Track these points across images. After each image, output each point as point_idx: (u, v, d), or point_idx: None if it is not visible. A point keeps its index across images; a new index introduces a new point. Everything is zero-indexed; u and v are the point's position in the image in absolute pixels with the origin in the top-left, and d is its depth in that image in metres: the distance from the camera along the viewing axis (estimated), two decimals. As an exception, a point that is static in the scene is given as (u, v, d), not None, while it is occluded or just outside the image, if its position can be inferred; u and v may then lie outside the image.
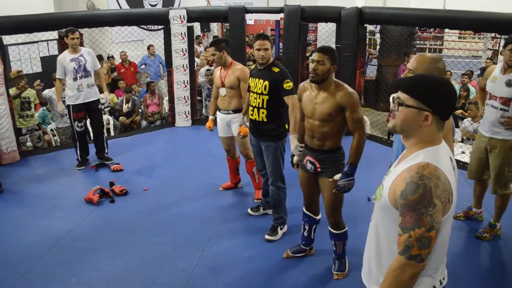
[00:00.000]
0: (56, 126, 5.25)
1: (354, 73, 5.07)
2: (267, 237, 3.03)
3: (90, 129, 4.77)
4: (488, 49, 10.04)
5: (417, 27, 7.15)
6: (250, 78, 2.98)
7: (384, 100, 6.79)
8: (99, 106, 4.46)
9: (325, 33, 5.77)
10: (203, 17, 5.90)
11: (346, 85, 2.33)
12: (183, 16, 5.42)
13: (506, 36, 3.02)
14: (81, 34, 4.76)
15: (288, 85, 2.79)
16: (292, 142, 2.63)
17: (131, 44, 7.59)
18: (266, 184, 3.17)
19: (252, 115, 2.95)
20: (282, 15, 5.34)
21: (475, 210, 3.27)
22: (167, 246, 2.98)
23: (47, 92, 5.03)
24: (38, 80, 4.78)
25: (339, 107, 2.28)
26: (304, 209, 2.68)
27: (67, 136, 5.15)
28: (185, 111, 5.73)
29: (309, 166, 2.46)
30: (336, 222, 2.49)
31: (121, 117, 6.10)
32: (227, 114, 3.42)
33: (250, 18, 8.78)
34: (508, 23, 3.89)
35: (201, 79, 6.30)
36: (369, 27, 8.48)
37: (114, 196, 3.72)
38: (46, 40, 6.25)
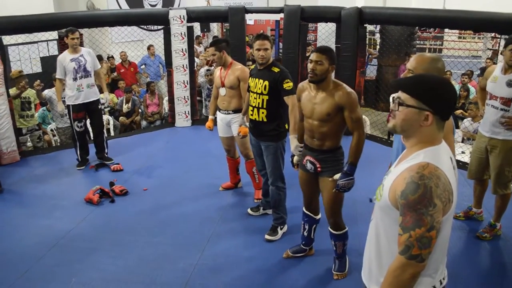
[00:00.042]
0: (56, 126, 5.25)
1: (354, 73, 5.07)
2: (267, 237, 3.03)
3: (90, 129, 4.77)
4: (488, 49, 10.04)
5: (417, 27, 7.15)
6: (250, 78, 2.98)
7: (384, 100, 6.79)
8: (99, 106, 4.46)
9: (325, 33, 5.77)
10: (203, 17, 5.90)
11: (344, 85, 2.33)
12: (183, 16, 5.42)
13: (506, 36, 3.02)
14: (81, 34, 4.76)
15: (288, 85, 2.79)
16: (292, 142, 2.64)
17: (131, 44, 7.59)
18: (266, 184, 3.17)
19: (252, 115, 2.95)
20: (282, 15, 5.34)
21: (475, 210, 3.27)
22: (167, 246, 2.99)
23: (47, 92, 5.03)
24: (38, 80, 4.77)
25: (338, 107, 2.28)
26: (304, 209, 2.68)
27: (67, 136, 5.15)
28: (185, 111, 5.73)
29: (309, 166, 2.46)
30: (336, 222, 2.48)
31: (121, 117, 6.10)
32: (227, 114, 3.42)
33: (250, 18, 8.78)
34: (508, 23, 3.89)
35: (201, 79, 6.30)
36: (369, 27, 8.48)
37: (114, 196, 3.72)
38: (46, 40, 6.25)
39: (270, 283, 2.59)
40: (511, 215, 3.09)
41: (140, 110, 6.33)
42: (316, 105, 2.34)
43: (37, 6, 5.95)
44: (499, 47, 8.84)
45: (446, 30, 10.27)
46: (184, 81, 5.62)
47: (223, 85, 3.36)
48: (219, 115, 3.50)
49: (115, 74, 7.11)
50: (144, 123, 6.28)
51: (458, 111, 5.64)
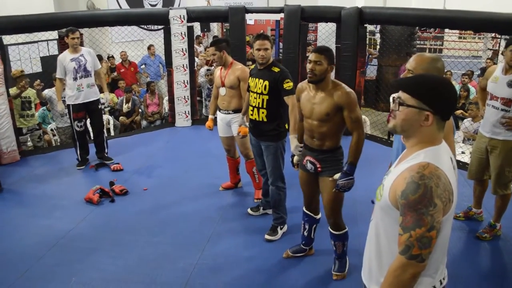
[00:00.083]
0: (56, 126, 5.26)
1: (354, 73, 5.07)
2: (267, 237, 3.03)
3: (90, 129, 4.77)
4: (488, 49, 10.04)
5: (417, 27, 7.14)
6: (250, 78, 2.98)
7: (384, 100, 6.79)
8: (99, 106, 4.46)
9: (325, 33, 5.77)
10: (203, 17, 5.90)
11: (343, 85, 2.33)
12: (183, 16, 5.42)
13: (506, 36, 3.02)
14: (81, 34, 4.76)
15: (288, 85, 2.79)
16: (292, 142, 2.64)
17: (131, 44, 7.59)
18: (266, 184, 3.17)
19: (252, 115, 2.95)
20: (282, 15, 5.34)
21: (475, 210, 3.27)
22: (167, 245, 2.99)
23: (47, 92, 5.03)
24: (38, 80, 4.78)
25: (337, 106, 2.28)
26: (304, 209, 2.68)
27: (67, 136, 5.15)
28: (185, 111, 5.73)
29: (309, 166, 2.46)
30: (336, 222, 2.48)
31: (121, 117, 6.10)
32: (227, 114, 3.42)
33: (250, 18, 8.78)
34: (508, 23, 3.89)
35: (201, 79, 6.30)
36: (369, 27, 8.48)
37: (114, 195, 3.72)
38: (46, 40, 6.25)
39: (270, 283, 2.59)
40: (511, 215, 3.09)
41: (140, 110, 6.33)
42: (315, 105, 2.34)
43: (37, 6, 5.95)
44: (499, 47, 8.84)
45: (446, 30, 10.27)
46: (184, 81, 5.62)
47: (223, 85, 3.36)
48: (219, 115, 3.50)
49: (115, 74, 7.11)
50: (144, 123, 6.28)
51: (458, 111, 5.64)
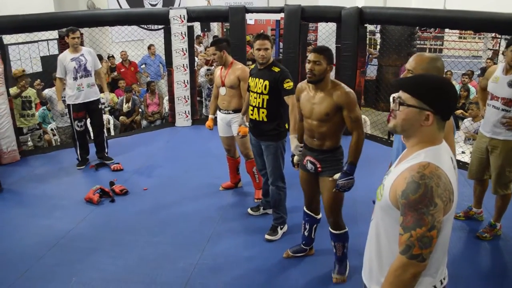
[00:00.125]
0: (56, 126, 5.25)
1: (355, 73, 5.06)
2: (267, 236, 3.03)
3: (90, 128, 4.77)
4: (489, 49, 10.04)
5: (417, 27, 7.14)
6: (250, 77, 2.98)
7: (385, 100, 6.78)
8: (99, 106, 4.46)
9: (326, 33, 5.77)
10: (203, 16, 5.90)
11: (343, 85, 2.33)
12: (183, 15, 5.42)
13: (507, 36, 3.02)
14: (81, 34, 4.76)
15: (288, 84, 2.79)
16: (292, 142, 2.63)
17: (131, 43, 7.59)
18: (266, 183, 3.17)
19: (252, 114, 2.95)
20: (282, 14, 5.34)
21: (475, 210, 3.27)
22: (167, 245, 2.98)
23: (47, 92, 5.03)
24: (38, 80, 4.78)
25: (336, 106, 2.28)
26: (304, 209, 2.68)
27: (67, 135, 5.15)
28: (185, 111, 5.73)
29: (309, 166, 2.46)
30: (336, 222, 2.48)
31: (121, 117, 6.10)
32: (227, 114, 3.42)
33: (250, 18, 8.78)
34: (508, 23, 3.89)
35: (201, 79, 6.30)
36: (370, 27, 8.48)
37: (114, 195, 3.72)
38: (46, 39, 6.25)
39: (270, 283, 2.59)
40: (511, 215, 3.09)
41: (140, 110, 6.32)
42: (315, 105, 2.34)
43: (37, 6, 5.95)
44: (499, 47, 8.84)
45: (447, 30, 10.27)
46: (184, 80, 5.62)
47: (223, 85, 3.36)
48: (219, 114, 3.50)
49: (115, 73, 7.11)
50: (144, 122, 6.28)
51: (458, 111, 5.64)
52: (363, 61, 5.31)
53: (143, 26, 7.94)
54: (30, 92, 4.87)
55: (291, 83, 2.80)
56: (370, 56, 8.02)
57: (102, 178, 4.10)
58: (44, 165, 4.51)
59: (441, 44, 12.73)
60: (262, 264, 2.76)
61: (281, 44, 7.13)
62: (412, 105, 1.23)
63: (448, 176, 1.20)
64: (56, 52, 6.38)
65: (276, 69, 2.83)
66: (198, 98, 6.07)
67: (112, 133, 5.80)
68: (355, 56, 5.01)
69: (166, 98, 6.25)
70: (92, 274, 2.66)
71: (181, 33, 5.47)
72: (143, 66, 7.54)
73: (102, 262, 2.78)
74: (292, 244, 2.88)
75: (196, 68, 6.06)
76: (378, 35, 9.27)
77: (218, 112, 3.51)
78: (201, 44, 8.68)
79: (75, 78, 4.15)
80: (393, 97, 1.29)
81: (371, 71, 7.93)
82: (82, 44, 4.98)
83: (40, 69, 6.48)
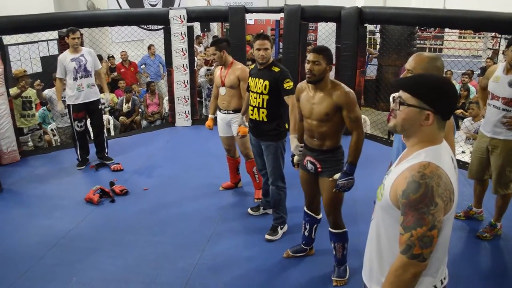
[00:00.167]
0: (56, 126, 5.26)
1: (354, 72, 5.06)
2: (267, 236, 3.03)
3: (90, 129, 4.77)
4: (488, 48, 10.03)
5: (417, 27, 7.14)
6: (250, 77, 2.97)
7: (384, 100, 6.78)
8: (99, 106, 4.46)
9: (325, 33, 5.77)
10: (203, 17, 5.90)
11: (342, 85, 2.33)
12: (183, 16, 5.42)
13: (507, 36, 3.02)
14: (81, 34, 4.76)
15: (288, 84, 2.79)
16: (292, 142, 2.63)
17: (131, 44, 7.59)
18: (266, 183, 3.17)
19: (252, 114, 2.95)
20: (282, 14, 5.33)
21: (475, 210, 3.27)
22: (167, 245, 2.98)
23: (47, 92, 5.03)
24: (38, 80, 4.78)
25: (336, 106, 2.28)
26: (305, 209, 2.68)
27: (67, 136, 5.15)
28: (185, 111, 5.73)
29: (309, 166, 2.46)
30: (336, 221, 2.48)
31: (121, 117, 6.10)
32: (227, 114, 3.42)
33: (250, 18, 8.77)
34: (508, 22, 3.89)
35: (200, 79, 6.29)
36: (369, 27, 8.47)
37: (114, 196, 3.72)
38: (46, 40, 6.25)
39: (270, 283, 2.59)
40: (511, 215, 3.09)
41: (140, 110, 6.32)
42: (314, 105, 2.34)
43: (37, 6, 5.95)
44: (499, 46, 8.84)
45: (447, 29, 10.26)
46: (184, 80, 5.62)
47: (223, 85, 3.36)
48: (219, 114, 3.50)
49: (115, 74, 7.11)
50: (144, 122, 6.28)
51: (458, 111, 5.63)
52: (363, 61, 5.31)
53: (143, 26, 7.94)
54: (31, 93, 4.87)
55: (291, 83, 2.80)
56: (370, 56, 8.02)
57: (102, 178, 4.10)
58: (44, 165, 4.51)
59: (441, 43, 12.74)
60: (262, 264, 2.76)
61: (281, 44, 7.13)
62: (413, 104, 1.23)
63: (449, 175, 1.20)
64: (56, 52, 6.38)
65: (276, 69, 2.83)
66: (197, 99, 6.07)
67: (112, 133, 5.80)
68: (355, 56, 5.01)
69: (166, 98, 6.25)
70: (92, 274, 2.66)
71: (181, 33, 5.47)
72: (143, 66, 7.54)
73: (102, 262, 2.78)
74: (292, 244, 2.88)
75: (196, 68, 6.06)
76: (378, 35, 9.27)
77: (218, 112, 3.51)
78: (201, 44, 8.68)
79: (75, 79, 4.15)
80: (393, 97, 1.30)
81: (371, 71, 7.93)
82: (82, 44, 4.98)
83: (40, 69, 6.48)
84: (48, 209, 3.52)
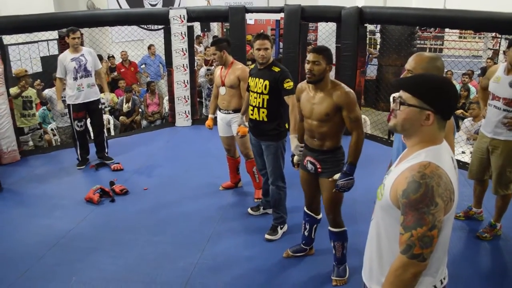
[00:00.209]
0: (57, 126, 5.26)
1: (355, 72, 5.06)
2: (267, 236, 3.03)
3: (90, 128, 4.77)
4: (489, 48, 10.04)
5: (417, 27, 7.14)
6: (250, 77, 2.97)
7: (385, 100, 6.78)
8: (100, 106, 4.46)
9: (326, 33, 5.77)
10: (203, 16, 5.90)
11: (342, 85, 2.33)
12: (183, 15, 5.42)
13: (507, 36, 3.02)
14: (81, 34, 4.76)
15: (288, 84, 2.79)
16: (293, 142, 2.63)
17: (131, 43, 7.59)
18: (266, 183, 3.17)
19: (252, 114, 2.95)
20: (282, 14, 5.34)
21: (475, 210, 3.26)
22: (167, 245, 2.98)
23: (47, 92, 5.03)
24: (39, 80, 4.78)
25: (336, 106, 2.28)
26: (305, 209, 2.68)
27: (67, 135, 5.15)
28: (185, 111, 5.73)
29: (309, 166, 2.46)
30: (335, 220, 2.48)
31: (121, 117, 6.10)
32: (227, 113, 3.42)
33: (250, 18, 8.77)
34: (508, 22, 3.89)
35: (201, 79, 6.29)
36: (370, 27, 8.47)
37: (114, 195, 3.72)
38: (46, 40, 6.24)
39: (270, 283, 2.59)
40: (511, 215, 3.09)
41: (140, 110, 6.32)
42: (315, 105, 2.34)
43: (37, 6, 5.95)
44: (499, 47, 8.84)
45: (447, 29, 10.27)
46: (184, 80, 5.62)
47: (223, 84, 3.36)
48: (219, 114, 3.50)
49: (115, 73, 7.11)
50: (144, 122, 6.28)
51: (459, 111, 5.63)
52: (363, 61, 5.31)
53: (143, 26, 7.94)
54: (31, 92, 4.87)
55: (291, 83, 2.80)
56: (370, 56, 8.02)
57: (102, 178, 4.10)
58: (44, 165, 4.51)
59: (441, 43, 12.74)
60: (262, 263, 2.76)
61: (281, 44, 7.13)
62: (413, 104, 1.23)
63: (449, 175, 1.20)
64: (56, 52, 6.38)
65: (276, 69, 2.83)
66: (198, 99, 6.07)
67: (112, 133, 5.80)
68: (355, 56, 5.01)
69: (166, 98, 6.25)
70: (92, 273, 2.66)
71: (181, 33, 5.47)
72: (143, 66, 7.54)
73: (102, 261, 2.78)
74: (292, 243, 2.88)
75: (196, 68, 6.06)
76: (378, 35, 9.26)
77: (218, 112, 3.51)
78: (201, 44, 8.68)
79: (75, 78, 4.15)
80: (394, 97, 1.29)
81: (371, 71, 7.93)
82: (82, 44, 4.98)
83: (40, 69, 6.48)
84: (48, 208, 3.52)
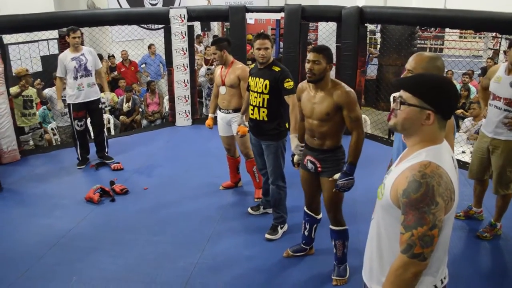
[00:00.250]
0: (57, 125, 5.26)
1: (355, 72, 5.06)
2: (267, 236, 3.03)
3: (90, 128, 4.77)
4: (489, 48, 10.03)
5: (417, 27, 7.14)
6: (250, 77, 2.97)
7: (385, 100, 6.78)
8: (100, 105, 4.46)
9: (326, 33, 5.77)
10: (204, 16, 5.89)
11: (343, 84, 2.33)
12: (184, 15, 5.41)
13: (507, 36, 3.02)
14: (81, 33, 4.76)
15: (288, 84, 2.79)
16: (293, 142, 2.63)
17: (131, 43, 7.58)
18: (267, 183, 3.17)
19: (252, 114, 2.94)
20: (282, 14, 5.34)
21: (475, 210, 3.27)
22: (167, 245, 2.98)
23: (47, 91, 5.03)
24: (39, 79, 4.78)
25: (336, 106, 2.28)
26: (305, 208, 2.68)
27: (68, 135, 5.15)
28: (185, 110, 5.73)
29: (310, 166, 2.46)
30: (336, 218, 2.48)
31: (121, 116, 6.10)
32: (227, 113, 3.42)
33: (250, 17, 8.78)
34: (509, 22, 3.88)
35: (201, 78, 6.29)
36: (370, 26, 8.47)
37: (115, 195, 3.72)
38: (46, 39, 6.25)
39: (270, 282, 2.59)
40: (511, 215, 3.09)
41: (140, 109, 6.32)
42: (315, 105, 2.34)
43: (38, 5, 5.94)
44: (500, 47, 8.84)
45: (447, 29, 10.26)
46: (184, 80, 5.62)
47: (223, 84, 3.36)
48: (219, 114, 3.50)
49: (115, 73, 7.11)
50: (144, 122, 6.28)
51: (459, 111, 5.63)
52: (364, 60, 5.31)
53: (143, 25, 7.94)
54: (31, 91, 4.87)
55: (292, 83, 2.80)
56: (371, 55, 8.03)
57: (102, 177, 4.10)
58: (45, 164, 4.51)
59: (441, 43, 12.73)
60: (262, 263, 2.76)
61: (281, 43, 7.14)
62: (413, 104, 1.23)
63: (449, 175, 1.20)
64: (56, 51, 6.38)
65: (277, 69, 2.83)
66: (198, 98, 6.07)
67: (112, 132, 5.79)
68: (356, 55, 5.01)
69: (166, 97, 6.25)
70: (93, 273, 2.66)
71: (181, 32, 5.46)
72: (143, 65, 7.54)
73: (102, 261, 2.78)
74: (292, 243, 2.88)
75: (196, 67, 6.06)
76: (378, 35, 9.26)
77: (218, 111, 3.51)
78: (201, 44, 8.68)
79: (76, 78, 4.15)
80: (394, 96, 1.29)
81: (372, 71, 7.93)
82: (82, 43, 4.98)
83: (40, 68, 6.48)
84: (48, 208, 3.52)
